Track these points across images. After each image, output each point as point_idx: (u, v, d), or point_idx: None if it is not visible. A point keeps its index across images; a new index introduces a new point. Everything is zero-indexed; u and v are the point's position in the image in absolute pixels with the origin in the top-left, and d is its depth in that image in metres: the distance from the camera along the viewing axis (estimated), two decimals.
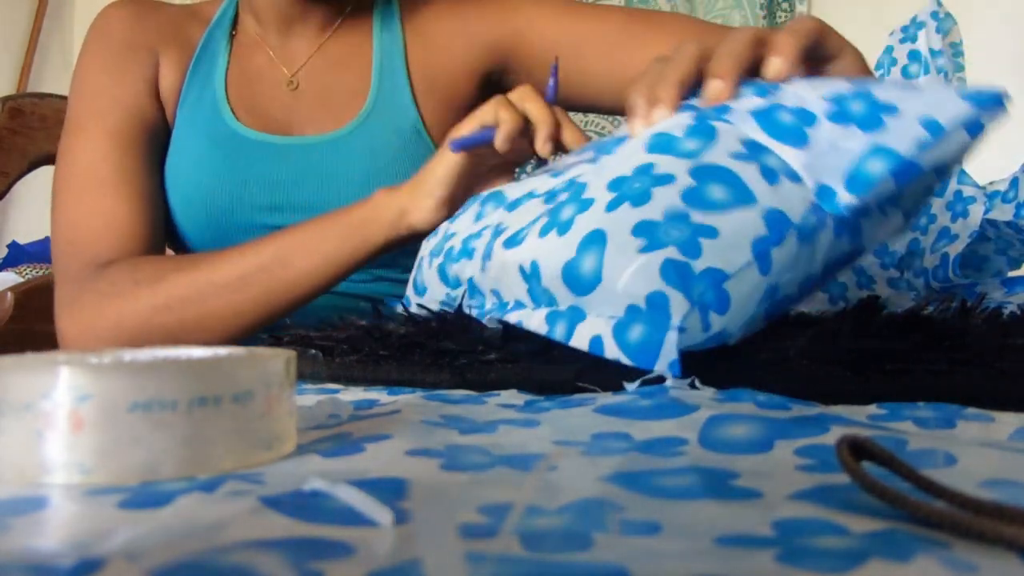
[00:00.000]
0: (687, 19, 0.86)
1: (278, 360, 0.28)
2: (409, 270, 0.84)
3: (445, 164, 0.65)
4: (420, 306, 0.57)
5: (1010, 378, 0.36)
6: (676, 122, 0.46)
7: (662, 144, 0.45)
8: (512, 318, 0.45)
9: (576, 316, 0.41)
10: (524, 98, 0.63)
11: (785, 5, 1.65)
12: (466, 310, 0.50)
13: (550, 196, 0.48)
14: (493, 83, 0.89)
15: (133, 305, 0.72)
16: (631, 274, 0.38)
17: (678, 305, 0.37)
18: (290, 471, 0.26)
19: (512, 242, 0.46)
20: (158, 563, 0.17)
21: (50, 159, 1.02)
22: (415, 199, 0.67)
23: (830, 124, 0.43)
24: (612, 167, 0.45)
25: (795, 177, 0.41)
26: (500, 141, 0.62)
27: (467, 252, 0.52)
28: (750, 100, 0.46)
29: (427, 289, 0.56)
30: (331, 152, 0.81)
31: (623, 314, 0.39)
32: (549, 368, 0.41)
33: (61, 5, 2.05)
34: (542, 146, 0.62)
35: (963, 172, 0.80)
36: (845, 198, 0.41)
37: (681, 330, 0.37)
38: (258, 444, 0.27)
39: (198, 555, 0.18)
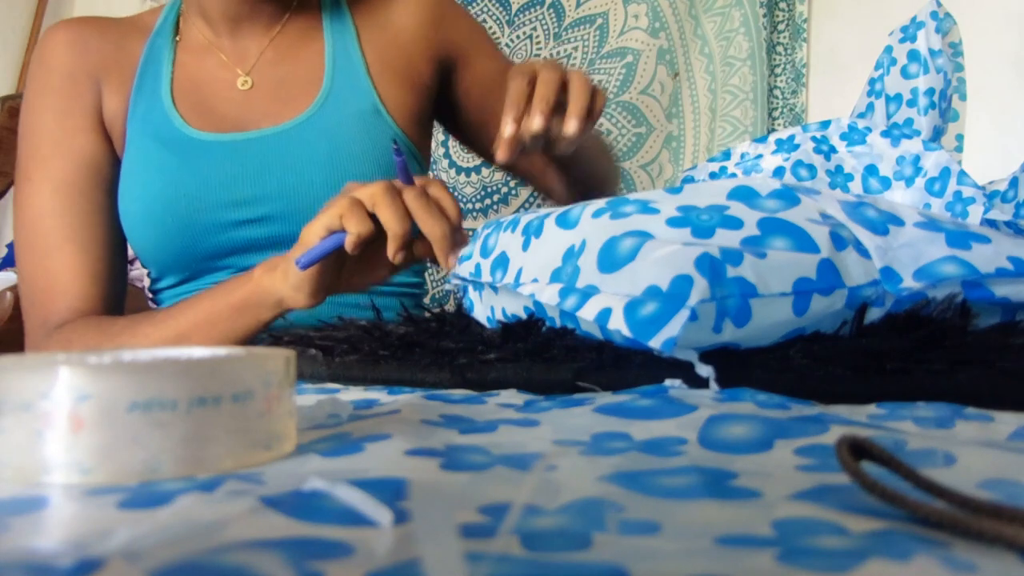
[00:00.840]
0: None
1: (278, 360, 0.28)
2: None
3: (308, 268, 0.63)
4: (419, 306, 0.57)
5: (1010, 378, 0.36)
6: (763, 183, 0.45)
7: (742, 194, 0.45)
8: (525, 291, 0.45)
9: (591, 291, 0.41)
10: (376, 201, 0.59)
11: (784, 5, 1.65)
12: (484, 280, 0.50)
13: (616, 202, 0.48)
14: (446, 71, 0.91)
15: None
16: (666, 253, 0.39)
17: (699, 291, 0.37)
18: (290, 471, 0.26)
19: (565, 222, 0.46)
20: (158, 563, 0.17)
21: None
22: (289, 289, 0.64)
23: (916, 229, 0.43)
24: (685, 197, 0.45)
25: (864, 253, 0.42)
26: (350, 248, 0.58)
27: (514, 223, 0.51)
28: (841, 194, 0.47)
29: (470, 256, 0.56)
30: (290, 140, 0.82)
31: (640, 294, 0.38)
32: (549, 368, 0.41)
33: (61, 5, 2.04)
34: (393, 256, 0.59)
35: (963, 172, 0.80)
36: (908, 282, 0.41)
37: (693, 315, 0.36)
38: (258, 444, 0.27)
39: (198, 555, 0.18)
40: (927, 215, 0.46)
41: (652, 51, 1.62)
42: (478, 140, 0.95)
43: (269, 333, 0.59)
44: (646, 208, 0.44)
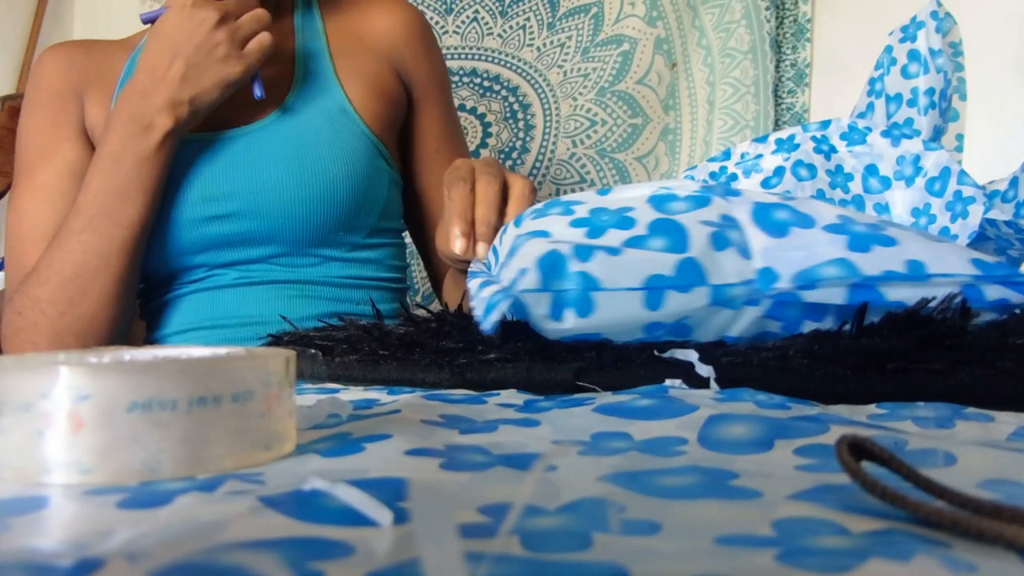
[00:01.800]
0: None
1: (278, 360, 0.28)
2: (356, 247, 0.87)
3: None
4: (419, 305, 0.57)
5: (1010, 378, 0.36)
6: (686, 187, 0.48)
7: (660, 198, 0.47)
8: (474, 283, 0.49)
9: (493, 280, 0.46)
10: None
11: (783, 2, 1.64)
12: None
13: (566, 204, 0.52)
14: (408, 94, 0.95)
15: (32, 336, 0.79)
16: (529, 250, 0.44)
17: (526, 282, 0.42)
18: (290, 471, 0.26)
19: (517, 223, 0.51)
20: (158, 563, 0.17)
21: None
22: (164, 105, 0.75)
23: (821, 232, 0.44)
24: (606, 199, 0.49)
25: (746, 254, 0.43)
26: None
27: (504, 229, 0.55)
28: (766, 196, 0.48)
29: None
30: (258, 139, 0.84)
31: (506, 285, 0.43)
32: (549, 368, 0.41)
33: (61, 5, 2.04)
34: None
35: (963, 172, 0.80)
36: (783, 283, 0.42)
37: (517, 303, 0.41)
38: (258, 444, 0.27)
39: (198, 555, 0.18)
40: (850, 217, 0.45)
41: (649, 40, 1.60)
42: (405, 179, 0.98)
43: (269, 334, 0.59)
44: (567, 209, 0.48)
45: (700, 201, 0.46)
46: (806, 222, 0.44)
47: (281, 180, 0.82)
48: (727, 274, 0.42)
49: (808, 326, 0.43)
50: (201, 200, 0.82)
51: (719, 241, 0.43)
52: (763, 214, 0.45)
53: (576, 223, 0.46)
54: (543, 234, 0.46)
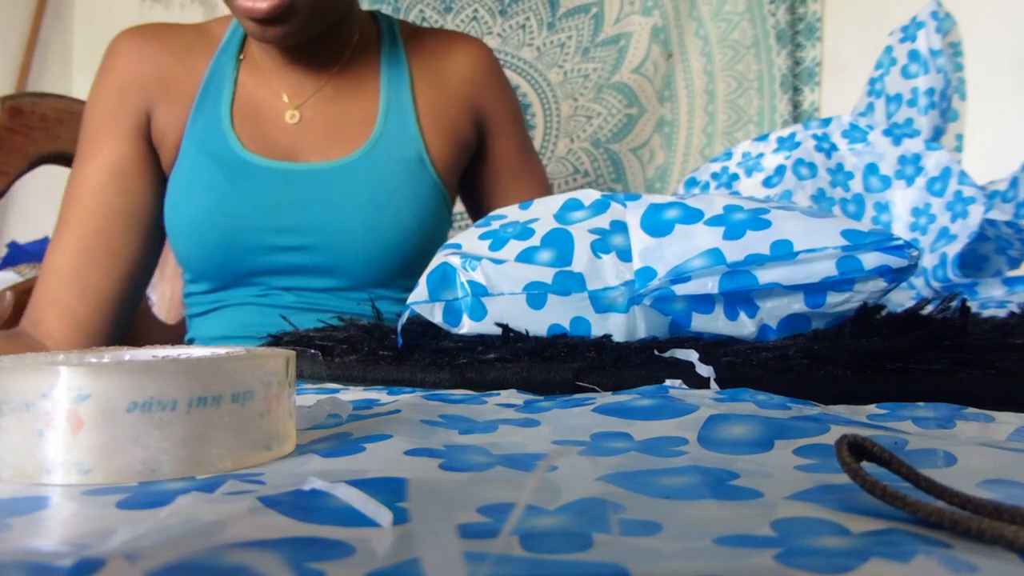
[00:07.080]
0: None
1: (278, 360, 0.28)
2: (408, 289, 0.87)
3: None
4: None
5: (1010, 378, 0.36)
6: (590, 195, 0.50)
7: (567, 205, 0.50)
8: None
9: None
10: None
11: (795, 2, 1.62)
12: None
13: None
14: (481, 134, 0.95)
15: None
16: (431, 266, 0.49)
17: (417, 294, 0.47)
18: (290, 471, 0.26)
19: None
20: (158, 563, 0.17)
21: (50, 158, 1.02)
22: None
23: (702, 226, 0.45)
24: (521, 213, 0.51)
25: (626, 257, 0.45)
26: None
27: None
28: (659, 197, 0.49)
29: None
30: (337, 178, 0.84)
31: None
32: (549, 368, 0.41)
33: (61, 5, 2.04)
34: None
35: (963, 172, 0.80)
36: (658, 281, 0.43)
37: (413, 313, 0.47)
38: (258, 444, 0.27)
39: (198, 555, 0.18)
40: (737, 205, 0.46)
41: (645, 29, 1.58)
42: (474, 212, 0.99)
43: (269, 334, 0.59)
44: (487, 221, 0.51)
45: (599, 208, 0.49)
46: (693, 217, 0.45)
47: (357, 225, 0.83)
48: (607, 278, 0.45)
49: (697, 318, 0.44)
50: (275, 230, 0.83)
51: (601, 247, 0.46)
52: (652, 216, 0.46)
53: (483, 236, 0.49)
54: (456, 246, 0.49)
